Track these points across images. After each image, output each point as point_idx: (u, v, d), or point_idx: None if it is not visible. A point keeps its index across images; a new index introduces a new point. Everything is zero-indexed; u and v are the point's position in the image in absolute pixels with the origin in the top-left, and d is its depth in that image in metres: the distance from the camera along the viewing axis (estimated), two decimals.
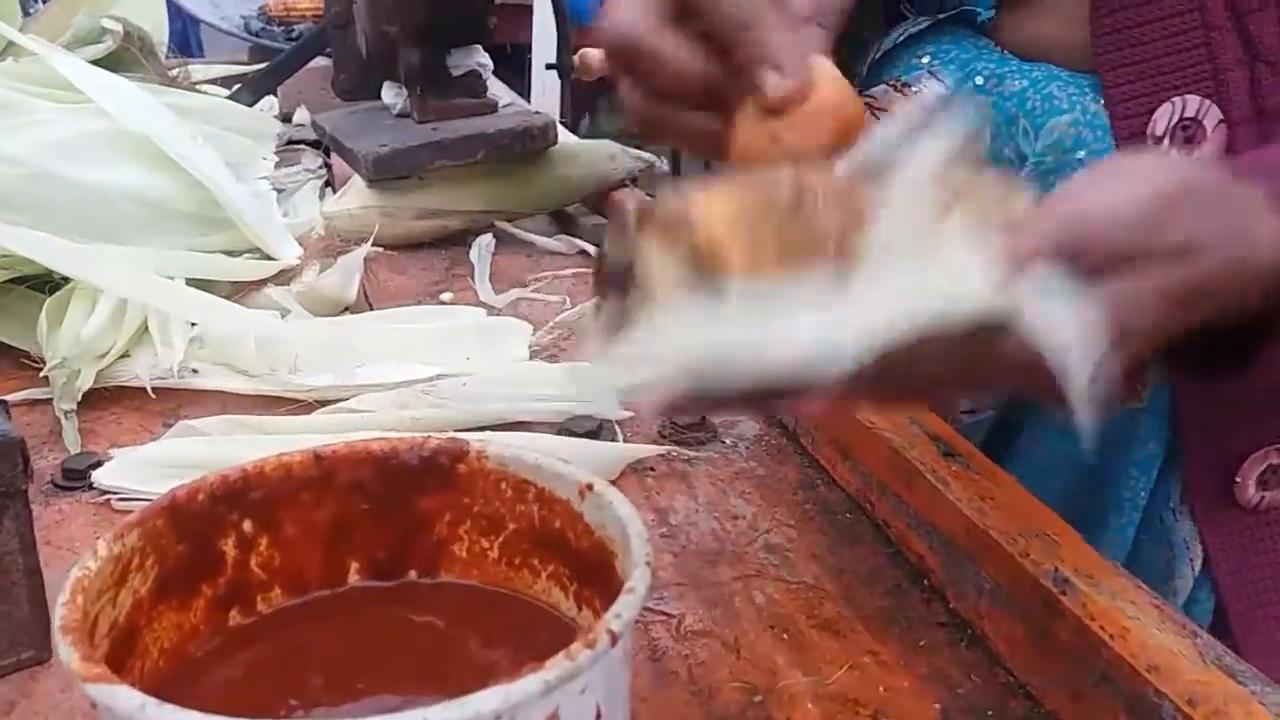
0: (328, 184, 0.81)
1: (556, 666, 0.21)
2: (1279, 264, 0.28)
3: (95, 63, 0.71)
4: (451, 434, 0.32)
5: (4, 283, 0.51)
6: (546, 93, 1.18)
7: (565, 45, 0.85)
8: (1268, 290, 0.29)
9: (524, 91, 1.91)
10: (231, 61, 1.13)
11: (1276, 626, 0.44)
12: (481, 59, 0.77)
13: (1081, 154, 0.44)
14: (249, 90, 0.91)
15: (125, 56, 0.79)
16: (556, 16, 0.85)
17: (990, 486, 0.35)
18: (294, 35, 1.16)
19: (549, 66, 0.88)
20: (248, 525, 0.29)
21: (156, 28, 0.82)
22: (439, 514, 0.31)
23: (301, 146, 0.91)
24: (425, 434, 0.32)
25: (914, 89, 0.49)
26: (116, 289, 0.47)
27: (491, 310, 0.60)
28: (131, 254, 0.50)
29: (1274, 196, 0.29)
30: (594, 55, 0.82)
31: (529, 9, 1.76)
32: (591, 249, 0.71)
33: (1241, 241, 0.28)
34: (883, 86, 0.50)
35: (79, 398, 0.44)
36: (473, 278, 0.65)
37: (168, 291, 0.48)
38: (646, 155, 0.76)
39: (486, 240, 0.69)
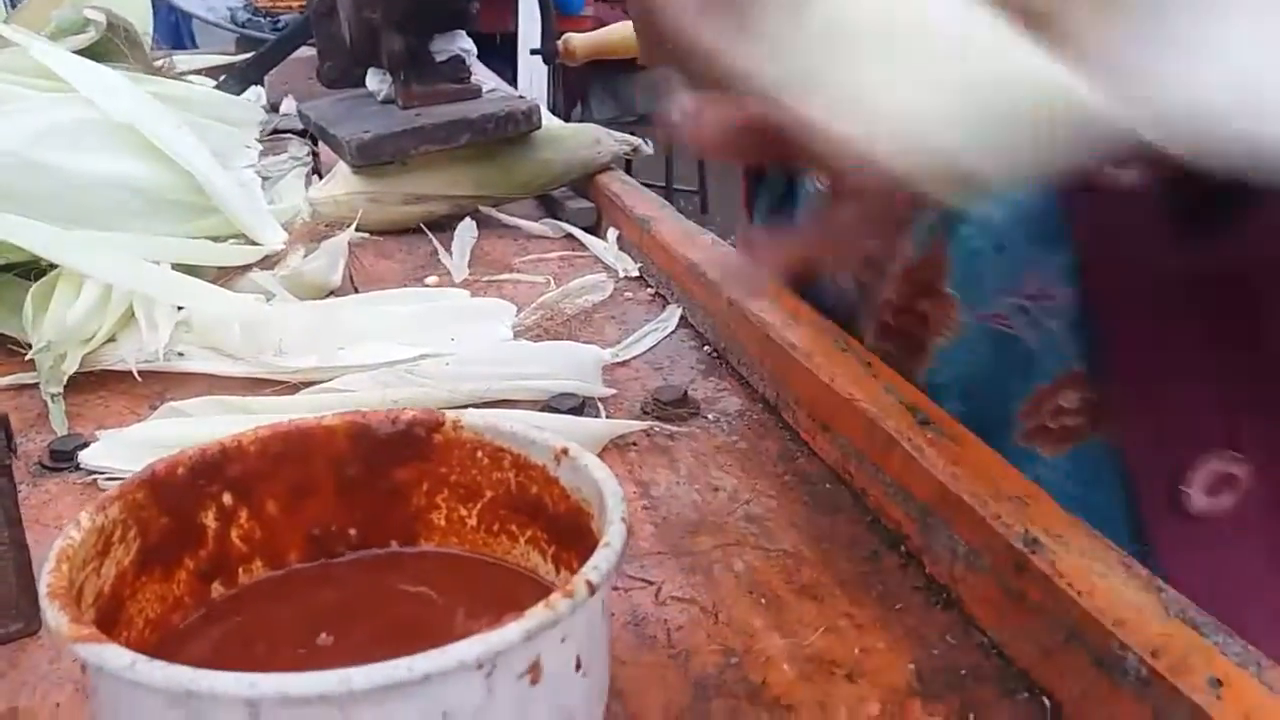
0: (315, 171, 0.82)
1: (536, 615, 0.22)
2: None
3: (79, 53, 0.71)
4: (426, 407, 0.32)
5: None
6: (533, 79, 1.19)
7: (549, 31, 0.85)
8: None
9: (514, 80, 1.91)
10: (218, 53, 1.14)
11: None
12: (465, 44, 0.77)
13: None
14: (235, 80, 0.92)
15: (110, 48, 0.79)
16: (540, 2, 0.85)
17: (963, 452, 0.35)
18: (280, 25, 1.16)
19: (533, 52, 0.88)
20: (227, 498, 0.30)
21: (141, 19, 0.82)
22: (416, 484, 0.32)
23: (288, 135, 0.91)
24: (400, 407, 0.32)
25: None
26: (102, 274, 0.47)
27: (476, 292, 0.60)
28: (117, 240, 0.51)
29: None
30: (578, 41, 0.82)
31: None
32: (578, 232, 0.71)
33: None
34: None
35: (65, 381, 0.45)
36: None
37: (153, 276, 0.48)
38: (633, 139, 0.76)
39: (467, 225, 0.70)
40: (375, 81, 0.78)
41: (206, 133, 0.62)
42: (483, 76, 0.81)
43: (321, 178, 0.79)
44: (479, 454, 0.31)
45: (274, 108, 1.06)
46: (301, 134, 0.92)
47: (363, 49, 0.77)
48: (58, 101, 0.53)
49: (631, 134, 0.79)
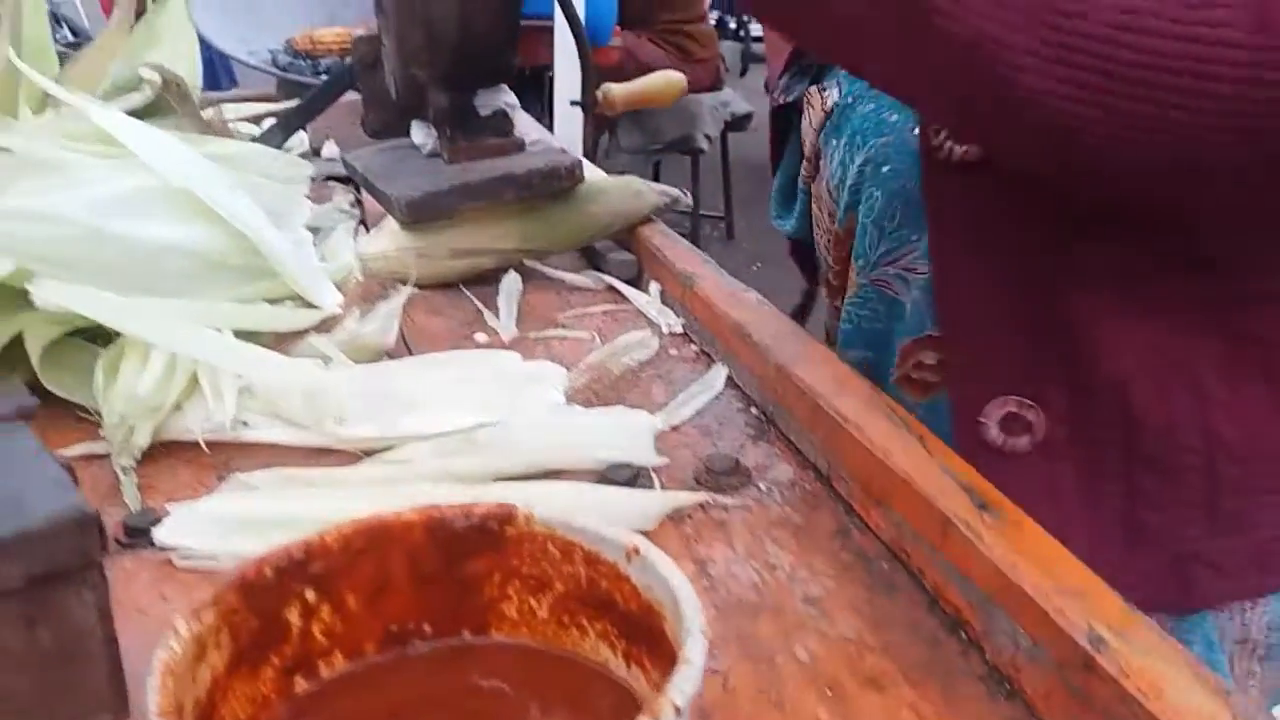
0: (361, 221, 0.83)
1: None
2: None
3: (133, 112, 0.73)
4: (499, 500, 0.33)
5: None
6: (569, 124, 1.21)
7: (589, 79, 0.86)
8: None
9: (543, 114, 1.93)
10: (260, 98, 1.16)
11: None
12: (508, 98, 0.78)
13: (886, 168, 0.54)
14: (279, 129, 0.93)
15: (161, 103, 0.82)
16: (579, 50, 0.86)
17: (1021, 539, 0.36)
18: (321, 69, 1.19)
19: (574, 104, 0.90)
20: (310, 595, 0.31)
21: (190, 72, 0.84)
22: (488, 575, 0.33)
23: (332, 183, 0.93)
24: (473, 500, 0.33)
25: (825, 92, 0.61)
26: (168, 344, 0.49)
27: (523, 350, 0.61)
28: (179, 307, 0.52)
29: None
30: (618, 92, 0.84)
31: (548, 31, 1.78)
32: (620, 285, 0.72)
33: None
34: (813, 86, 0.63)
35: (138, 456, 0.46)
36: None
37: (217, 345, 0.50)
38: (672, 190, 0.77)
39: (512, 279, 0.71)
40: (420, 135, 0.80)
41: (259, 192, 0.63)
42: (525, 126, 0.82)
43: (367, 227, 0.81)
44: (550, 547, 0.32)
45: (315, 151, 1.08)
46: (344, 180, 0.93)
47: (408, 103, 0.78)
48: (118, 169, 0.55)
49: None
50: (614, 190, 0.75)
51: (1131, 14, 0.35)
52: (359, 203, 0.87)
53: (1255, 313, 0.47)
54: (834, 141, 0.59)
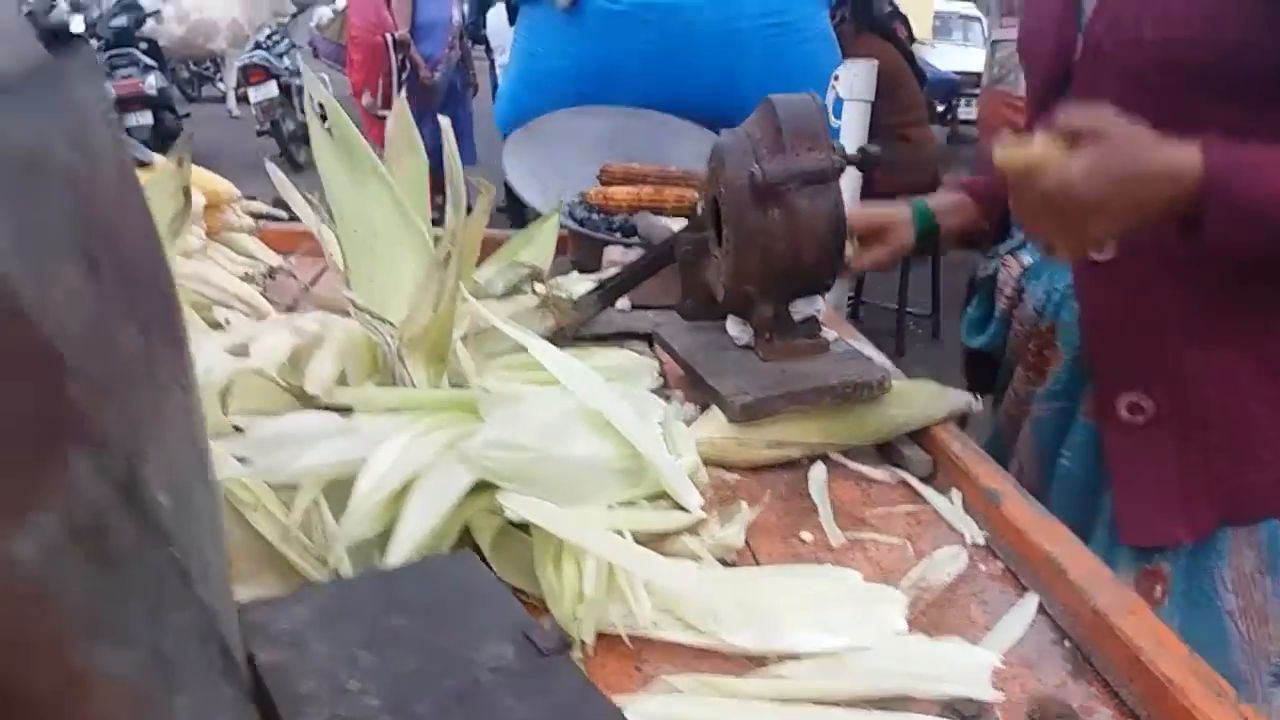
0: (661, 376, 0.96)
1: None
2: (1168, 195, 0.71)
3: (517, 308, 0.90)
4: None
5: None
6: None
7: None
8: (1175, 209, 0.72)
9: None
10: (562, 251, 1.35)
11: (1142, 496, 0.84)
12: (819, 306, 0.90)
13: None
14: (601, 297, 1.09)
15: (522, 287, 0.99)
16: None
17: None
18: (614, 225, 1.35)
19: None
20: None
21: (546, 262, 1.01)
22: None
23: (636, 344, 1.08)
24: None
25: (1018, 255, 1.01)
26: (598, 551, 0.62)
27: (843, 553, 0.72)
28: (600, 516, 0.66)
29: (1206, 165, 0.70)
30: None
31: None
32: (917, 484, 0.82)
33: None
34: (1009, 255, 1.04)
35: (588, 651, 0.60)
36: (818, 513, 0.78)
37: (634, 555, 0.63)
38: (965, 395, 0.86)
39: (820, 472, 0.82)
40: (735, 329, 0.93)
41: (628, 396, 0.78)
42: (828, 324, 0.94)
43: (669, 383, 0.94)
44: None
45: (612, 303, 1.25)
46: (642, 337, 1.08)
47: (731, 305, 0.92)
48: (552, 396, 0.70)
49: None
50: (915, 396, 0.86)
51: None
52: (660, 361, 1.01)
53: (1272, 338, 0.81)
54: (1035, 282, 0.95)
